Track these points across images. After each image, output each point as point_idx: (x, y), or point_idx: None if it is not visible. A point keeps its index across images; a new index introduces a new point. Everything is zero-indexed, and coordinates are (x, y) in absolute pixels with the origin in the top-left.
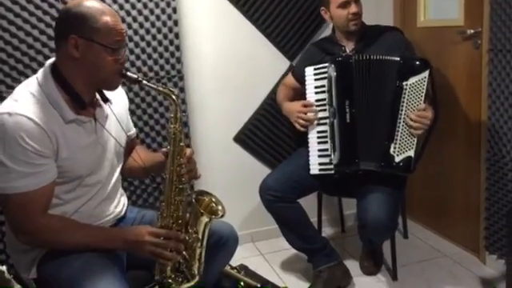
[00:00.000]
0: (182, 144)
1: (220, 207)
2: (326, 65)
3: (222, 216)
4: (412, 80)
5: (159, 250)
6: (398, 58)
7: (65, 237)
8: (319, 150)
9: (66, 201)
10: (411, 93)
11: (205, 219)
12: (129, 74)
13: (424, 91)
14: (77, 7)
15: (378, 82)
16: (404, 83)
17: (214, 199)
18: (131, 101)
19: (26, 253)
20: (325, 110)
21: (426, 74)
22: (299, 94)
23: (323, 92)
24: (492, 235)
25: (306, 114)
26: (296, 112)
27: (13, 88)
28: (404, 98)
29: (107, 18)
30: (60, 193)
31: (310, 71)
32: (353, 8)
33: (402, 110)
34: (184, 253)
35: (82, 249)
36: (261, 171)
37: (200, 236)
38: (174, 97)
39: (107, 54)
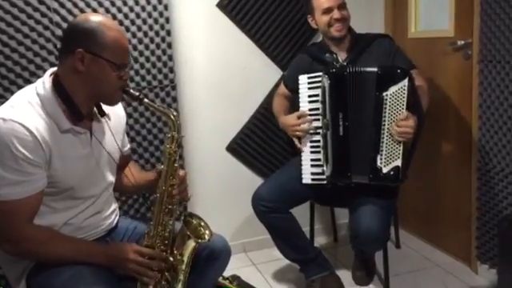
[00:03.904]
0: (176, 165)
1: (207, 232)
2: (320, 74)
3: (208, 241)
4: (392, 89)
5: (143, 269)
6: (376, 69)
7: (48, 249)
8: (312, 160)
9: (55, 210)
10: (392, 102)
11: (191, 243)
12: (131, 91)
13: (405, 100)
14: (85, 22)
15: (367, 94)
16: (384, 93)
17: (202, 223)
18: (129, 115)
19: (15, 264)
20: (318, 119)
21: (405, 82)
22: (292, 101)
23: (316, 101)
24: (483, 245)
25: (300, 125)
26: (291, 126)
27: (3, 97)
28: (386, 108)
29: (115, 35)
30: (50, 201)
31: (303, 79)
32: (335, 14)
33: (384, 121)
34: (167, 274)
35: (65, 262)
36: (253, 181)
37: (185, 259)
38: (172, 118)
39: (112, 70)
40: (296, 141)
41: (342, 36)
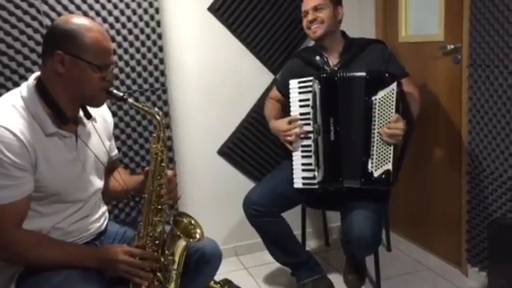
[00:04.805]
0: (163, 164)
1: (198, 230)
2: (311, 79)
3: (199, 240)
4: (381, 94)
5: (134, 270)
6: (365, 74)
7: (37, 253)
8: (303, 164)
9: (42, 214)
10: (381, 106)
11: (182, 242)
12: (114, 91)
13: (394, 104)
14: (65, 23)
15: (356, 99)
16: (373, 98)
17: (192, 221)
18: (120, 119)
19: (4, 269)
20: (309, 124)
21: (393, 86)
22: (285, 106)
23: (307, 106)
24: (474, 248)
25: (291, 130)
26: (282, 132)
27: None
28: (375, 112)
29: (95, 36)
30: (37, 206)
31: (294, 84)
32: (309, 16)
33: (374, 125)
34: (159, 275)
35: (55, 266)
36: (245, 184)
37: (176, 258)
38: (158, 118)
39: (93, 72)
40: (289, 146)
41: (319, 37)
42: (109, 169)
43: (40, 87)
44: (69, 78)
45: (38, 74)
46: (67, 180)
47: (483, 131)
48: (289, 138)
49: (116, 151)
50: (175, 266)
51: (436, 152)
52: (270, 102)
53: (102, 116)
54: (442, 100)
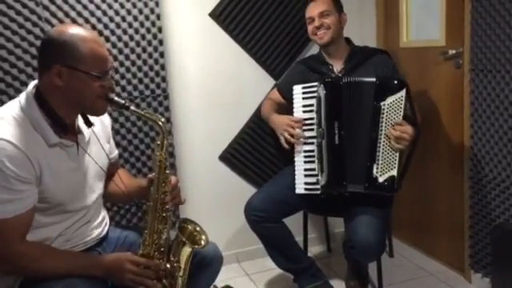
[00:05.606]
0: (167, 172)
1: (203, 237)
2: (316, 84)
3: (204, 247)
4: (389, 100)
5: (139, 279)
6: (375, 79)
7: (43, 265)
8: (305, 170)
9: (47, 224)
10: (389, 112)
11: (187, 249)
12: (116, 99)
13: (402, 110)
14: (59, 35)
15: (364, 104)
16: (382, 103)
17: (197, 228)
18: (121, 125)
19: (4, 277)
20: (312, 129)
21: (402, 93)
22: (284, 109)
23: (311, 111)
24: (477, 253)
25: (293, 128)
26: (284, 125)
27: None
28: (383, 117)
29: (90, 46)
30: (41, 216)
31: (298, 89)
32: (315, 22)
33: (381, 130)
34: (165, 282)
35: (60, 276)
36: (246, 190)
37: (182, 265)
38: (161, 124)
39: (92, 81)
40: (282, 140)
41: (326, 43)
42: (109, 172)
43: (39, 99)
44: (68, 90)
45: (35, 83)
46: (71, 189)
47: (485, 136)
48: (286, 135)
49: (116, 152)
50: (181, 273)
51: (438, 157)
52: (268, 102)
53: (99, 119)
54: (444, 105)
